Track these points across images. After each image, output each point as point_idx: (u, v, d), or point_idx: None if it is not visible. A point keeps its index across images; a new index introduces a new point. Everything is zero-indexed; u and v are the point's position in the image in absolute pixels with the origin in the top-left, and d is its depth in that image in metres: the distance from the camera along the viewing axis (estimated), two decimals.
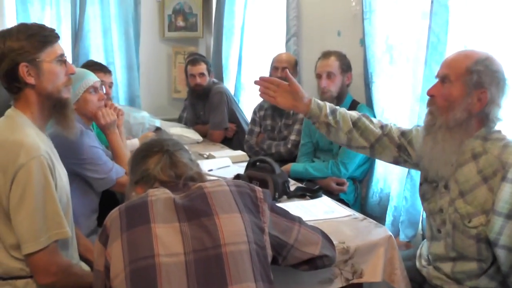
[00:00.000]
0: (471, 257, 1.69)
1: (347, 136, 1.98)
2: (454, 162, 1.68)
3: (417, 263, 1.96)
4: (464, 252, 1.70)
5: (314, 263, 1.57)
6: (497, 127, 1.68)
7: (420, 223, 2.48)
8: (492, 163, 1.61)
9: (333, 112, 1.98)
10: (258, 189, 1.51)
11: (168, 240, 1.31)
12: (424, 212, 1.94)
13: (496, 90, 1.62)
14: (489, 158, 1.62)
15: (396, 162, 2.00)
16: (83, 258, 1.94)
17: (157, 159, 1.55)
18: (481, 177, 1.63)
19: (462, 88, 1.64)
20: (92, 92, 2.32)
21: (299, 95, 1.98)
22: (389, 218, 2.57)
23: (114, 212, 1.41)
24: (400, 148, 1.93)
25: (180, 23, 5.12)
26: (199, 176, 1.58)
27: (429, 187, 1.83)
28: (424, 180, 1.87)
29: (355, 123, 1.98)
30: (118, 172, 2.28)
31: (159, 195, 1.41)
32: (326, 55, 2.86)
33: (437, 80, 1.74)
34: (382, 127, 1.97)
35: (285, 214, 1.55)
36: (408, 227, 2.46)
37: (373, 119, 2.01)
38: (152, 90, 5.11)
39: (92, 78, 2.34)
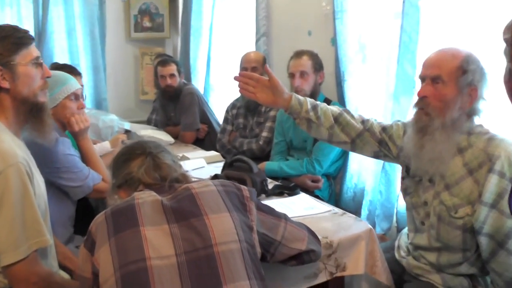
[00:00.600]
0: (456, 247, 1.76)
1: (329, 132, 2.00)
2: (444, 158, 1.73)
3: (396, 254, 2.01)
4: (449, 243, 1.76)
5: (301, 258, 1.60)
6: (480, 121, 1.75)
7: (395, 216, 2.56)
8: (478, 156, 1.67)
9: (314, 107, 2.00)
10: (244, 188, 1.52)
11: (158, 242, 1.30)
12: (405, 205, 1.98)
13: (483, 85, 1.69)
14: (475, 152, 1.68)
15: (376, 156, 2.04)
16: (61, 266, 1.89)
17: (140, 162, 1.54)
18: (466, 170, 1.69)
19: (456, 88, 1.68)
20: (73, 99, 2.25)
21: (278, 90, 1.98)
22: (364, 212, 2.63)
23: (100, 217, 1.38)
24: (381, 143, 1.98)
25: (147, 23, 5.08)
26: (184, 178, 1.58)
27: (412, 182, 1.88)
28: (406, 175, 1.92)
29: (337, 119, 2.00)
30: (94, 178, 2.22)
31: (146, 197, 1.40)
32: (298, 54, 2.89)
33: (422, 80, 1.77)
34: (363, 122, 2.01)
35: (271, 211, 1.57)
36: (384, 221, 2.53)
37: (354, 114, 2.04)
38: (119, 92, 5.04)
39: (75, 84, 2.28)
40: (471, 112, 1.72)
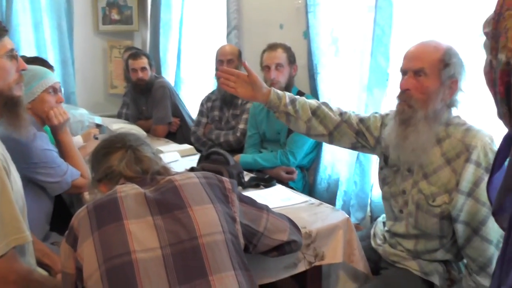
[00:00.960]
0: (434, 234, 1.82)
1: (306, 125, 2.04)
2: (426, 148, 1.77)
3: (372, 243, 2.06)
4: (427, 230, 1.82)
5: (283, 249, 1.62)
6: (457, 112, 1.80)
7: (369, 205, 2.61)
8: (455, 146, 1.73)
9: (293, 101, 2.04)
10: (226, 179, 1.53)
11: (143, 235, 1.30)
12: (379, 195, 2.03)
13: (462, 77, 1.74)
14: (452, 142, 1.74)
15: (353, 147, 2.09)
16: (39, 263, 1.85)
17: (120, 155, 1.53)
18: (444, 160, 1.75)
19: (438, 80, 1.72)
20: (51, 92, 2.22)
21: (257, 85, 2.04)
22: (339, 202, 2.68)
23: (81, 212, 1.37)
24: (358, 134, 2.02)
25: (115, 16, 5.02)
26: (165, 170, 1.58)
27: (390, 171, 1.93)
28: (385, 165, 1.97)
29: (314, 112, 2.04)
30: (73, 174, 2.19)
31: (128, 190, 1.40)
32: (272, 47, 2.91)
33: (404, 73, 1.79)
34: (341, 114, 2.05)
35: (253, 203, 1.59)
36: (358, 210, 2.59)
37: (332, 107, 2.08)
38: (88, 86, 4.98)
39: (53, 78, 2.24)
40: (450, 104, 1.77)
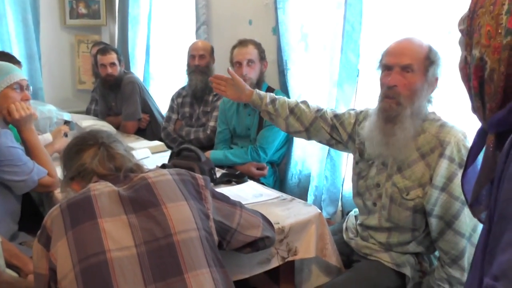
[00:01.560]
0: (406, 227, 1.86)
1: (285, 122, 2.17)
2: (408, 144, 1.79)
3: (344, 236, 2.10)
4: (400, 223, 1.85)
5: (256, 245, 1.64)
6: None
7: (340, 200, 2.65)
8: (430, 141, 1.77)
9: (273, 101, 2.19)
10: (199, 176, 1.53)
11: (117, 234, 1.29)
12: (349, 190, 2.06)
13: (440, 74, 1.78)
14: (427, 137, 1.78)
15: (329, 143, 2.17)
16: (7, 264, 1.80)
17: (93, 153, 1.52)
18: (419, 154, 1.78)
19: (423, 77, 1.75)
20: (17, 89, 2.16)
21: (240, 87, 2.24)
22: (310, 197, 2.71)
23: (54, 211, 1.35)
24: (332, 129, 2.08)
25: (82, 10, 4.94)
26: (138, 167, 1.57)
27: (366, 165, 1.97)
28: (360, 159, 2.00)
29: (292, 110, 2.15)
30: (39, 172, 2.14)
31: (102, 188, 1.39)
32: (243, 43, 2.91)
33: (388, 69, 1.79)
34: (318, 111, 2.14)
35: (226, 199, 1.59)
36: (329, 205, 2.62)
37: (311, 105, 2.17)
38: (55, 81, 4.89)
39: (19, 74, 2.18)
40: (428, 100, 1.81)
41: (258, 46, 2.92)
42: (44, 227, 1.34)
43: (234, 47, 2.95)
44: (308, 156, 2.86)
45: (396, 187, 1.83)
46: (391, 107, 1.78)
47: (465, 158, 1.56)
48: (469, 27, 0.93)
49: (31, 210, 2.46)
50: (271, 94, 2.23)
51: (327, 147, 2.58)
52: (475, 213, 1.01)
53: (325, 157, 2.60)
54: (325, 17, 2.58)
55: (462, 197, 1.61)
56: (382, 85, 1.82)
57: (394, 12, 2.36)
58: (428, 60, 1.74)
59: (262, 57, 2.93)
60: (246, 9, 3.33)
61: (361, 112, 2.05)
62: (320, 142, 2.21)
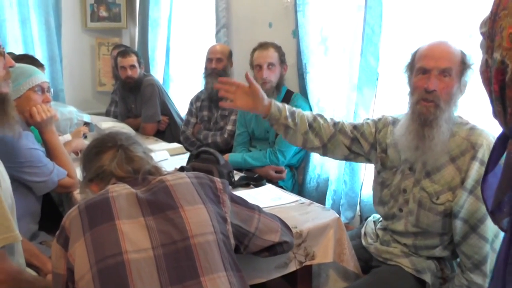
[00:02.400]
0: (435, 232, 1.83)
1: (303, 137, 2.03)
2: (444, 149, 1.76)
3: (363, 242, 2.07)
4: (429, 228, 1.82)
5: (274, 249, 1.63)
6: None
7: (358, 205, 2.62)
8: (460, 144, 1.74)
9: (292, 114, 2.01)
10: (217, 180, 1.53)
11: (135, 236, 1.29)
12: (369, 194, 2.03)
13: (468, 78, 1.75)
14: (457, 140, 1.75)
15: (346, 158, 2.08)
16: (28, 263, 1.81)
17: (111, 155, 1.52)
18: (448, 158, 1.76)
19: (458, 81, 1.72)
20: (38, 91, 2.17)
21: (259, 97, 1.97)
22: (328, 202, 2.69)
23: (73, 211, 1.36)
24: (353, 141, 2.01)
25: (103, 13, 5.00)
26: (156, 170, 1.57)
27: (389, 173, 1.94)
28: (382, 168, 1.97)
29: (311, 124, 2.02)
30: (59, 173, 2.16)
31: (120, 190, 1.39)
32: (264, 46, 2.91)
33: (423, 72, 1.74)
34: (335, 124, 2.03)
35: (244, 203, 1.59)
36: (348, 210, 2.60)
37: (327, 118, 2.06)
38: (76, 83, 4.96)
39: (41, 77, 2.20)
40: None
41: (278, 49, 2.92)
42: (62, 227, 1.35)
43: (254, 50, 2.95)
44: (326, 160, 2.84)
45: (425, 191, 1.80)
46: (429, 111, 1.73)
47: None
48: (491, 30, 0.91)
49: (51, 210, 2.49)
50: (288, 106, 2.04)
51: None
52: (496, 220, 0.98)
53: (344, 162, 2.57)
54: (344, 20, 2.57)
55: None
56: (417, 88, 1.76)
57: (414, 15, 2.33)
58: (464, 64, 1.72)
59: (282, 60, 2.92)
60: (266, 12, 3.33)
61: (379, 120, 2.02)
62: (335, 158, 2.11)
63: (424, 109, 1.74)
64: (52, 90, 2.39)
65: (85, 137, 3.05)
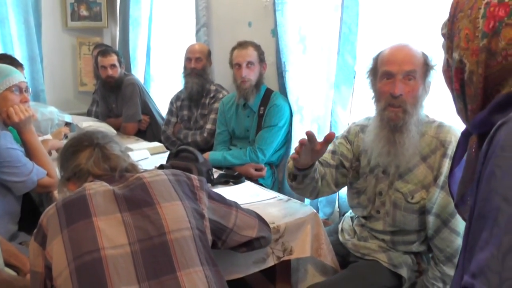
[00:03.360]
0: (412, 229, 1.86)
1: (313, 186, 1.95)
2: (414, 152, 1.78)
3: (340, 238, 2.10)
4: (406, 227, 1.86)
5: (252, 244, 1.66)
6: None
7: (337, 201, 2.66)
8: (430, 143, 1.78)
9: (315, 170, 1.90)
10: (194, 177, 1.55)
11: (112, 232, 1.31)
12: (355, 202, 2.03)
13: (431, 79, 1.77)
14: (426, 139, 1.79)
15: (336, 185, 2.04)
16: (7, 263, 1.83)
17: (88, 154, 1.54)
18: (419, 157, 1.79)
19: (422, 83, 1.74)
20: (16, 91, 2.16)
21: (319, 155, 1.76)
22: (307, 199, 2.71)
23: (50, 209, 1.37)
24: (337, 168, 2.00)
25: (84, 12, 4.97)
26: (133, 167, 1.59)
27: (361, 181, 1.97)
28: (355, 179, 1.99)
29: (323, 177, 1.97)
30: (39, 173, 2.16)
31: (97, 188, 1.41)
32: (243, 45, 2.93)
33: (388, 76, 1.75)
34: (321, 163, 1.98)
35: (222, 200, 1.61)
36: (326, 206, 2.63)
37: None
38: (57, 83, 4.92)
39: (18, 77, 2.19)
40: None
41: (257, 48, 2.94)
42: (40, 225, 1.36)
43: (233, 49, 2.97)
44: None
45: (400, 192, 1.83)
46: (397, 116, 1.74)
47: None
48: (450, 31, 0.95)
49: (31, 210, 2.48)
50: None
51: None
52: (460, 213, 1.02)
53: None
54: (322, 19, 2.60)
55: None
56: (382, 93, 1.76)
57: (390, 14, 2.37)
58: (427, 65, 1.74)
59: (261, 59, 2.95)
60: (246, 11, 3.35)
61: (348, 133, 2.03)
62: (329, 193, 2.08)
63: (393, 115, 1.74)
64: (30, 90, 2.39)
65: (66, 137, 3.04)
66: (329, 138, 1.65)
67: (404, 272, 1.87)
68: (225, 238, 1.57)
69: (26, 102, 2.23)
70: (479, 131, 0.91)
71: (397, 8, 2.36)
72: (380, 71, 1.77)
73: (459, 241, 1.73)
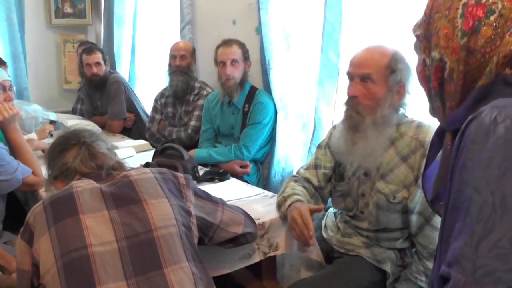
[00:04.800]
0: (396, 228, 1.89)
1: None
2: (377, 154, 1.82)
3: (324, 234, 2.12)
4: (389, 226, 1.89)
5: (238, 240, 1.68)
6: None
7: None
8: (409, 143, 1.80)
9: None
10: (180, 175, 1.57)
11: (99, 229, 1.32)
12: (342, 206, 2.06)
13: (409, 81, 1.79)
14: (406, 140, 1.81)
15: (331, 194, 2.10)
16: None
17: (75, 152, 1.54)
18: (399, 158, 1.82)
19: (385, 86, 1.76)
20: None
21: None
22: None
23: (37, 207, 1.38)
24: (330, 178, 2.06)
25: (68, 9, 4.94)
26: (120, 165, 1.60)
27: (344, 184, 1.99)
28: (338, 182, 2.02)
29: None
30: (24, 171, 2.15)
31: (84, 185, 1.42)
32: (227, 42, 2.95)
33: (350, 78, 1.81)
34: (317, 188, 2.05)
35: (208, 197, 1.63)
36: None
37: (300, 184, 2.06)
38: (41, 81, 4.89)
39: (2, 75, 2.19)
40: (399, 107, 1.82)
41: (242, 46, 2.96)
42: (27, 223, 1.37)
43: (218, 47, 2.99)
44: (291, 154, 2.90)
45: (382, 193, 1.85)
46: (351, 116, 1.81)
47: None
48: (426, 31, 0.99)
49: (16, 209, 2.48)
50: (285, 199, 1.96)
51: (308, 145, 2.62)
52: (435, 209, 1.06)
53: (307, 155, 2.64)
54: (306, 17, 2.62)
55: None
56: (347, 94, 1.84)
57: (373, 12, 2.40)
58: (389, 69, 1.76)
59: (246, 57, 2.97)
60: (230, 9, 3.36)
61: (329, 139, 2.07)
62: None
63: (348, 114, 1.82)
64: (14, 88, 2.38)
65: (51, 135, 3.04)
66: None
67: (388, 268, 1.89)
68: (212, 235, 1.59)
69: (10, 101, 2.23)
70: (455, 127, 0.94)
71: (380, 7, 2.39)
72: (346, 73, 1.85)
73: None
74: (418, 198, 1.77)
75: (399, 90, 1.78)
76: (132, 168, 1.60)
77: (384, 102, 1.77)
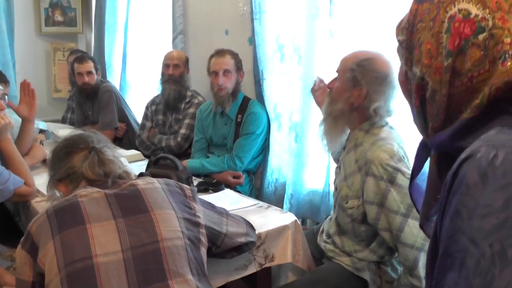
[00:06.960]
0: (350, 233, 1.93)
1: None
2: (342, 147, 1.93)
3: (318, 239, 2.14)
4: (344, 227, 1.94)
5: (241, 249, 1.71)
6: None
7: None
8: (362, 157, 1.83)
9: None
10: (186, 187, 1.56)
11: (105, 239, 1.31)
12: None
13: (374, 88, 1.83)
14: (362, 151, 1.85)
15: None
16: None
17: (83, 156, 1.52)
18: (357, 166, 1.86)
19: (343, 84, 1.89)
20: None
21: None
22: (286, 205, 2.75)
23: (41, 217, 1.36)
24: None
25: (58, 17, 4.92)
26: (127, 175, 1.58)
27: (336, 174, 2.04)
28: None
29: None
30: (15, 182, 2.11)
31: (89, 194, 1.40)
32: (220, 53, 2.95)
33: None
34: None
35: (213, 207, 1.65)
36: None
37: None
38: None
39: None
40: (364, 110, 1.87)
41: (235, 56, 2.96)
42: (28, 233, 1.35)
43: (211, 57, 2.98)
44: (284, 164, 2.90)
45: (340, 193, 1.91)
46: (327, 106, 2.00)
47: (393, 174, 1.67)
48: (409, 41, 0.90)
49: (6, 220, 2.44)
50: None
51: (302, 156, 2.63)
52: (426, 232, 0.98)
53: (302, 165, 2.64)
54: (300, 28, 2.64)
55: (402, 210, 1.69)
56: None
57: (368, 23, 2.42)
58: (349, 69, 1.87)
59: (238, 67, 2.97)
60: (223, 19, 3.37)
61: None
62: None
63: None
64: (7, 97, 2.36)
65: (42, 144, 3.01)
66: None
67: (366, 276, 1.89)
68: (219, 244, 1.60)
69: (2, 110, 2.20)
70: (439, 151, 0.89)
71: (374, 17, 2.41)
72: None
73: (414, 254, 1.72)
74: (376, 215, 1.79)
75: (360, 93, 1.85)
76: (138, 178, 1.59)
77: (339, 98, 1.91)
